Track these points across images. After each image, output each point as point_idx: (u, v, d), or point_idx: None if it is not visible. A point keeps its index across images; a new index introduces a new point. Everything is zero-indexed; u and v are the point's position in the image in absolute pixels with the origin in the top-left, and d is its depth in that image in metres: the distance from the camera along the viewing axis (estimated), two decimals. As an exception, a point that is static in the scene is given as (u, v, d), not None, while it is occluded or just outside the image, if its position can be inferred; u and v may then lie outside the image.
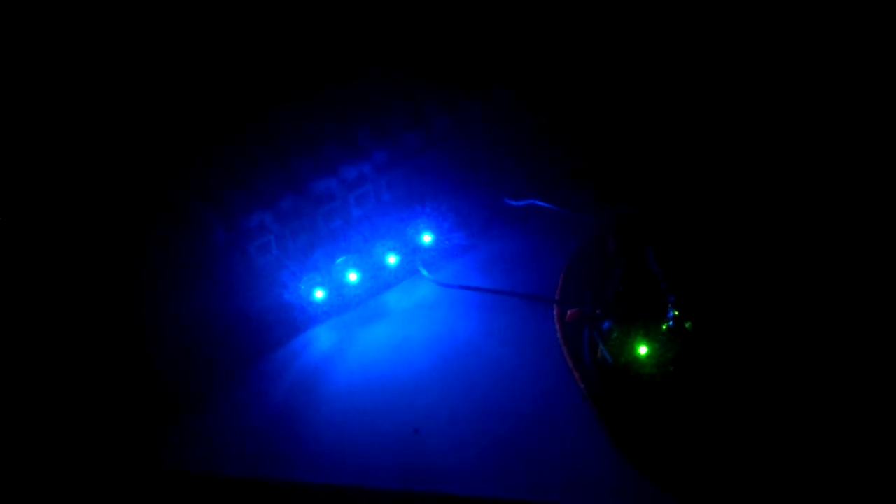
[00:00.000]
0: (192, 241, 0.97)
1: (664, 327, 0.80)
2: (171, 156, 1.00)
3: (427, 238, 1.00)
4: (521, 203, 1.03)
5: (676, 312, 0.80)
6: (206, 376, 0.93)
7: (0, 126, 0.96)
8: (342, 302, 0.99)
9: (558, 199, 1.01)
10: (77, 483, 0.84)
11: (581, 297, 0.89)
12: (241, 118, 1.02)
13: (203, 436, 0.88)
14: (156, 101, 1.01)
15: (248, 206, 0.94)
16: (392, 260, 0.99)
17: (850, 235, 0.92)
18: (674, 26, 1.09)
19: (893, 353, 0.80)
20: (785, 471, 0.74)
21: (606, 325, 0.82)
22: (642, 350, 0.80)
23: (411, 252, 1.01)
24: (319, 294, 0.96)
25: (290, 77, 1.05)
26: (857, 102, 1.02)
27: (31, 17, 0.97)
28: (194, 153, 0.99)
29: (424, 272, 1.00)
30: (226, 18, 1.04)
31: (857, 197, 0.95)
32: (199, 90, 1.03)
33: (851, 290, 0.86)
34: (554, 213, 1.00)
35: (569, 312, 0.87)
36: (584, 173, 1.06)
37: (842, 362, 0.80)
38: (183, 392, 0.92)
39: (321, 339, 0.97)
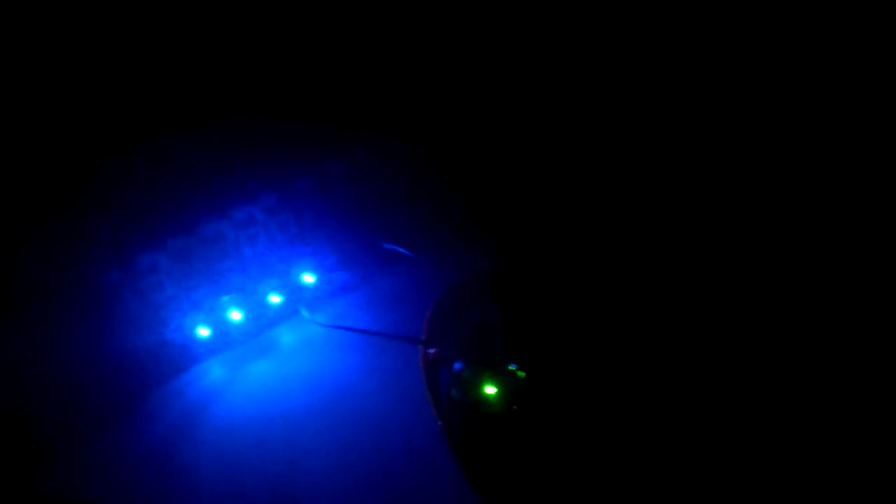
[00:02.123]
0: (77, 281, 0.99)
1: (510, 368, 0.86)
2: (65, 196, 1.02)
3: (309, 278, 1.05)
4: (388, 247, 1.08)
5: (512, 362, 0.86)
6: (89, 413, 0.97)
7: None
8: (227, 339, 1.03)
9: (437, 242, 1.06)
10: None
11: (443, 339, 0.94)
12: (132, 160, 1.05)
13: (83, 471, 0.91)
14: (50, 146, 1.04)
15: (137, 246, 0.98)
16: (275, 299, 1.04)
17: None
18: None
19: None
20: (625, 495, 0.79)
21: (458, 365, 0.87)
22: (489, 390, 0.85)
23: (295, 291, 1.06)
24: (203, 332, 1.01)
25: (180, 118, 1.09)
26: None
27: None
28: (86, 194, 1.02)
29: (305, 312, 1.05)
30: (118, 62, 1.07)
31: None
32: (92, 132, 1.05)
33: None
34: (424, 258, 1.06)
35: (428, 352, 0.92)
36: (461, 221, 1.12)
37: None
38: (65, 428, 0.95)
39: (205, 375, 1.01)
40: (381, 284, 1.10)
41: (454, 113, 1.16)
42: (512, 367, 0.85)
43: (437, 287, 1.04)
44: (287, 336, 1.05)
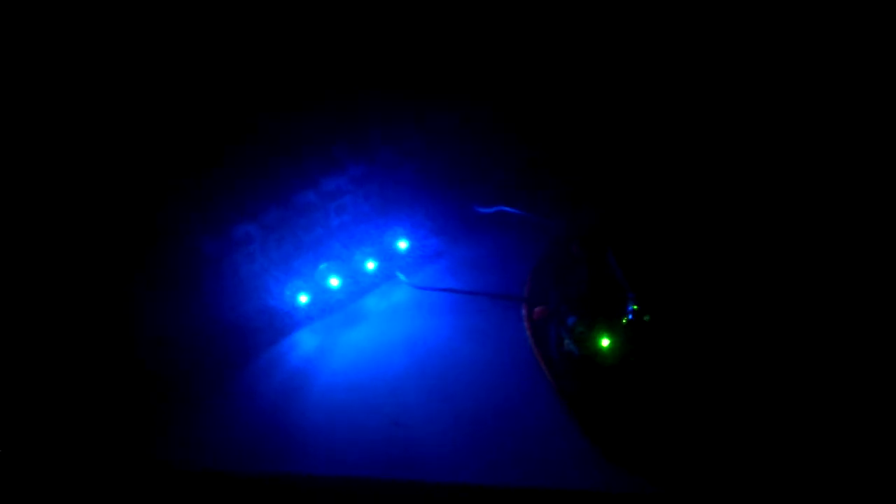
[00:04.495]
0: (180, 252, 1.01)
1: (624, 321, 0.87)
2: (159, 175, 1.05)
3: (403, 244, 1.07)
4: (490, 210, 1.09)
5: (636, 307, 0.87)
6: (197, 379, 0.98)
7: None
8: (324, 306, 1.05)
9: (524, 206, 1.08)
10: (75, 481, 0.88)
11: (547, 296, 0.95)
12: (224, 137, 1.08)
13: (194, 434, 0.93)
14: (145, 128, 1.07)
15: (233, 217, 1.00)
16: (371, 265, 1.05)
17: (794, 228, 1.00)
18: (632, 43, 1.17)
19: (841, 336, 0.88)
20: (739, 449, 0.81)
21: (571, 320, 0.89)
22: (605, 342, 0.86)
23: (389, 258, 1.07)
24: (303, 299, 1.02)
25: (272, 97, 1.11)
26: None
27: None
28: (181, 171, 1.05)
29: (401, 276, 1.06)
30: (215, 40, 1.09)
31: (800, 191, 1.04)
32: (186, 111, 1.08)
33: (795, 280, 0.94)
34: (520, 220, 1.07)
35: (536, 310, 0.94)
36: (549, 182, 1.13)
37: (787, 350, 0.88)
38: (174, 394, 0.96)
39: (305, 341, 1.02)
40: (471, 249, 1.11)
41: (533, 72, 1.17)
42: (628, 319, 0.87)
43: (530, 248, 1.05)
44: (382, 301, 1.07)
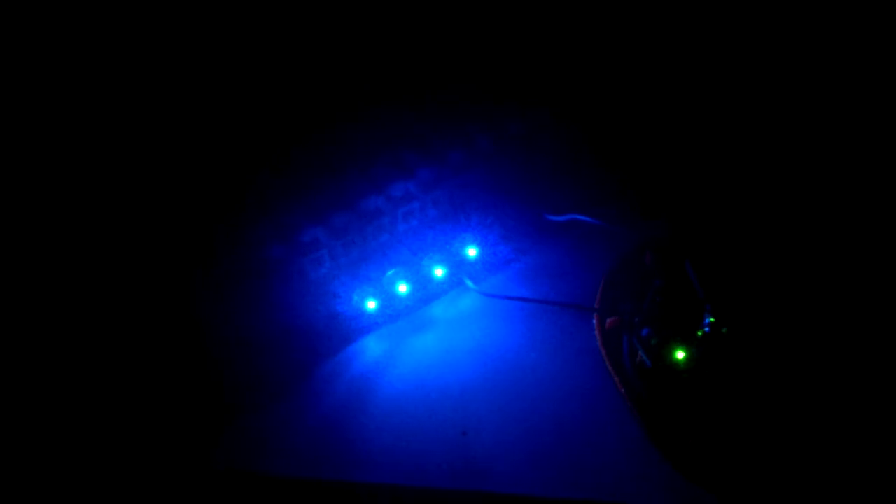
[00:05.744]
0: (249, 256, 1.01)
1: (700, 333, 0.85)
2: (228, 178, 1.05)
3: (472, 251, 1.06)
4: (562, 218, 1.07)
5: (713, 319, 0.84)
6: (263, 384, 0.98)
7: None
8: (392, 312, 1.04)
9: (597, 214, 1.06)
10: (138, 482, 0.89)
11: (619, 307, 0.93)
12: (293, 143, 1.08)
13: (258, 438, 0.93)
14: (215, 132, 1.07)
15: (302, 223, 1.00)
16: (439, 272, 1.05)
17: (879, 240, 0.96)
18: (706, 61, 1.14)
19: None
20: (818, 469, 0.78)
21: (645, 331, 0.87)
22: (679, 355, 0.84)
23: (457, 265, 1.06)
24: (371, 304, 1.02)
25: (339, 101, 1.11)
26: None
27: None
28: (250, 175, 1.05)
29: (470, 283, 1.05)
30: (280, 45, 1.10)
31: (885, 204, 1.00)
32: (253, 116, 1.09)
33: (880, 293, 0.90)
34: (593, 228, 1.05)
35: (608, 320, 0.92)
36: (622, 190, 1.11)
37: (873, 366, 0.84)
38: (240, 399, 0.97)
39: (372, 347, 1.02)
40: (542, 256, 1.10)
41: (603, 80, 1.15)
42: (703, 332, 0.84)
43: (602, 258, 1.03)
44: (450, 308, 1.06)
